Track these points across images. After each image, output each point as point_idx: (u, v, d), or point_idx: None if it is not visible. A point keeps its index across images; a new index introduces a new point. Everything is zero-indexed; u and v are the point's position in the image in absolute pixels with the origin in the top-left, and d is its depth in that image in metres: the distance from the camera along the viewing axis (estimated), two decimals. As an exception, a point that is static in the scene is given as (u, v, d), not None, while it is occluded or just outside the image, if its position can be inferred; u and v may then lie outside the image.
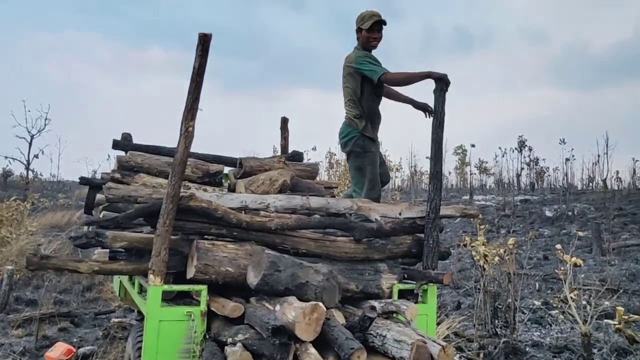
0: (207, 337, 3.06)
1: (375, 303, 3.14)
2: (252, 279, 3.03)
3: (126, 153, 5.22)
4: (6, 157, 23.20)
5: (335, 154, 24.02)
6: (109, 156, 27.62)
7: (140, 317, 5.56)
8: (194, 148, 5.68)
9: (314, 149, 24.72)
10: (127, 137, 5.59)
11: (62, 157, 39.33)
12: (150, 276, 3.05)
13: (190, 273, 3.15)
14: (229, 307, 2.99)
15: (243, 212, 3.44)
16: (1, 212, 10.06)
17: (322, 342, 2.72)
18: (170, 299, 3.22)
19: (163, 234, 3.05)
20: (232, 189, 5.44)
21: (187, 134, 3.17)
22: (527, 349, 5.68)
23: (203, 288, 3.11)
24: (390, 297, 3.42)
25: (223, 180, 5.49)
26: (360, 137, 4.44)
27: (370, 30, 4.42)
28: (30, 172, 23.37)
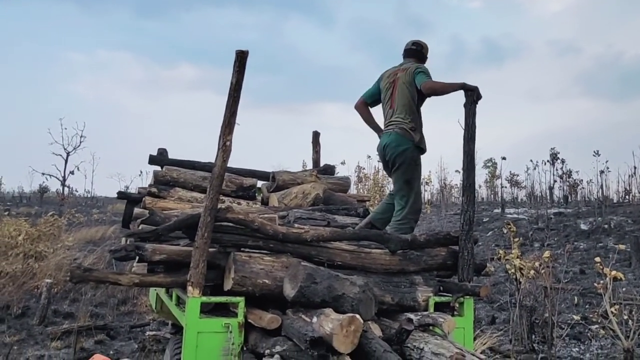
0: (245, 348, 3.08)
1: (411, 315, 3.12)
2: (289, 291, 3.05)
3: (162, 168, 5.34)
4: (43, 174, 23.84)
5: (364, 168, 23.96)
6: (141, 172, 28.14)
7: (174, 331, 5.63)
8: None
9: (343, 163, 24.67)
10: (162, 152, 5.72)
11: (95, 174, 40.27)
12: (189, 288, 3.10)
13: (228, 285, 3.19)
14: (267, 318, 3.01)
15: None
16: (39, 227, 10.34)
17: (360, 355, 2.72)
18: (208, 310, 3.26)
19: (202, 246, 3.11)
20: (265, 203, 5.50)
21: (224, 148, 3.23)
22: (566, 365, 5.54)
23: (240, 300, 3.15)
24: (426, 309, 3.40)
25: (256, 194, 5.56)
26: (415, 150, 4.40)
27: None
28: (66, 189, 23.97)
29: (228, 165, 5.83)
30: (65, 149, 22.17)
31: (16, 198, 30.51)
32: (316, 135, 6.25)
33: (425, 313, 3.23)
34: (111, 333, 6.81)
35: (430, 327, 3.10)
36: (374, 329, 2.96)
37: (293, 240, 3.33)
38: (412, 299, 3.41)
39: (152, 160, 5.57)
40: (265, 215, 3.92)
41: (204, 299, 3.12)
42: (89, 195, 33.53)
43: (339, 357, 2.68)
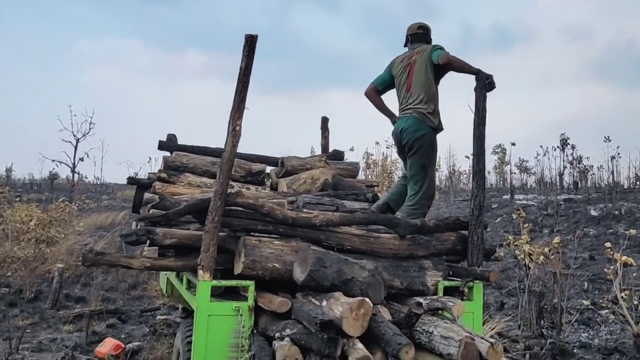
0: (255, 331, 3.11)
1: (421, 300, 3.13)
2: (299, 275, 3.07)
3: (171, 153, 5.36)
4: (53, 161, 24.02)
5: (372, 155, 23.91)
6: (150, 158, 28.26)
7: (185, 315, 5.68)
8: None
9: (352, 149, 24.64)
10: (172, 138, 5.73)
11: (105, 160, 40.48)
12: (200, 272, 3.12)
13: (238, 269, 3.21)
14: (277, 302, 3.03)
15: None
16: (50, 213, 10.44)
17: (369, 338, 2.73)
18: (219, 294, 3.29)
19: (212, 231, 3.13)
20: (274, 188, 5.51)
21: (234, 133, 3.23)
22: (575, 351, 5.55)
23: (251, 283, 3.17)
24: (435, 294, 3.41)
25: (265, 180, 5.57)
26: (432, 135, 4.37)
27: None
28: (75, 175, 24.14)
29: (237, 150, 5.86)
30: (74, 136, 22.34)
31: (27, 185, 30.75)
32: (325, 121, 6.24)
33: (434, 297, 3.25)
34: (122, 317, 6.89)
35: (440, 311, 3.11)
36: (384, 313, 2.97)
37: (302, 224, 3.34)
38: (421, 283, 3.42)
39: (162, 146, 5.59)
40: (274, 200, 3.93)
41: (215, 282, 3.15)
42: (98, 182, 33.77)
43: (348, 340, 2.70)
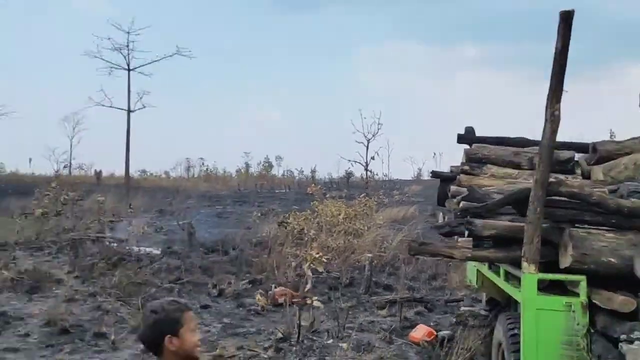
0: (592, 330, 2.89)
1: None
2: (642, 271, 2.74)
3: (470, 146, 5.38)
4: (349, 160, 26.68)
5: None
6: (434, 154, 29.00)
7: (489, 307, 5.63)
8: (532, 136, 5.46)
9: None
10: (470, 130, 5.74)
11: (390, 158, 43.14)
12: (524, 264, 3.05)
13: (565, 262, 3.04)
14: (618, 300, 2.76)
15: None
16: (355, 208, 11.60)
17: None
18: (542, 288, 3.15)
19: (535, 221, 3.02)
20: (586, 177, 5.04)
21: (553, 119, 3.06)
22: None
23: (582, 278, 2.96)
24: None
25: (575, 168, 5.14)
26: None
27: None
28: (368, 173, 26.34)
29: (531, 138, 5.54)
30: (365, 137, 24.33)
31: (327, 183, 34.82)
32: (646, 97, 5.42)
33: None
34: (428, 306, 7.21)
35: None
36: None
37: (641, 214, 2.97)
38: None
39: (461, 138, 5.64)
40: (594, 190, 3.59)
41: (541, 275, 3.04)
42: (386, 179, 36.18)
43: None
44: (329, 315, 6.54)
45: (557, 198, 3.13)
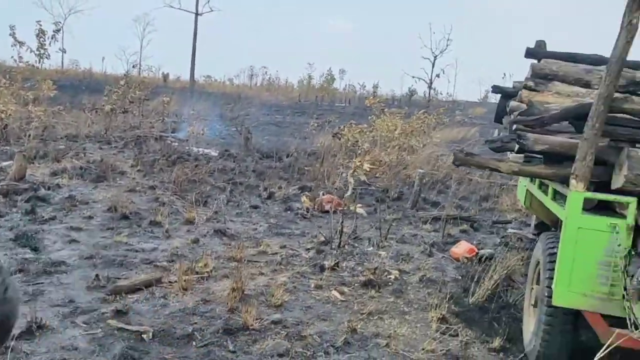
0: (632, 253, 2.80)
1: None
2: (700, 197, 2.58)
3: (539, 61, 5.06)
4: (412, 77, 26.00)
5: None
6: (504, 74, 27.70)
7: (538, 232, 5.54)
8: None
9: None
10: (540, 44, 5.38)
11: (457, 78, 41.57)
12: (573, 181, 2.94)
13: (618, 183, 2.90)
14: (666, 224, 2.64)
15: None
16: (411, 124, 11.39)
17: None
18: (589, 208, 3.04)
19: (591, 138, 2.87)
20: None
21: (629, 27, 2.81)
22: None
23: (632, 200, 2.83)
24: None
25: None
26: None
27: None
28: (431, 91, 25.59)
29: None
30: (432, 53, 23.41)
31: (389, 100, 34.17)
32: None
33: None
34: (474, 225, 7.17)
35: None
36: None
37: None
38: None
39: (529, 52, 5.31)
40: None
41: (589, 194, 2.92)
42: (451, 99, 35.08)
43: None
44: (373, 225, 6.64)
45: (620, 115, 2.94)
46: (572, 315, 3.08)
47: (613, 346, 2.22)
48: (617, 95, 2.90)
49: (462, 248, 5.72)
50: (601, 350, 2.20)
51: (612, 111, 2.88)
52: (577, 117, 3.04)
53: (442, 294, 4.51)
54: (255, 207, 7.49)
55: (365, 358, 3.55)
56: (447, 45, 23.38)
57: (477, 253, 5.62)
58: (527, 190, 4.67)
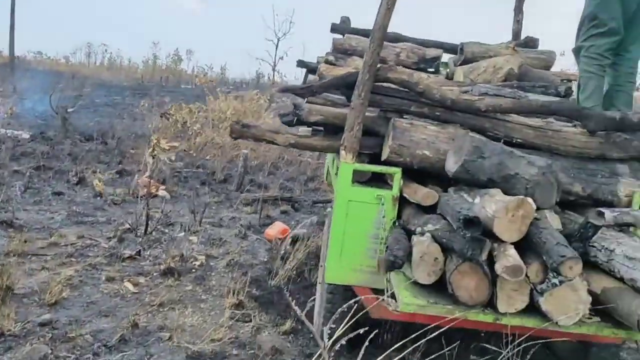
0: (397, 224, 2.79)
1: (605, 210, 2.47)
2: (451, 165, 2.62)
3: (343, 36, 5.07)
4: (256, 58, 25.68)
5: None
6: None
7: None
8: (414, 34, 5.16)
9: (563, 54, 21.71)
10: (345, 20, 5.41)
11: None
12: (342, 152, 2.86)
13: (385, 154, 2.88)
14: (422, 193, 2.65)
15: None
16: (244, 104, 11.14)
17: (526, 247, 2.23)
18: (366, 181, 2.99)
19: (357, 107, 2.80)
20: (450, 78, 4.92)
21: (388, -5, 2.76)
22: None
23: (397, 171, 2.81)
24: (627, 207, 2.68)
25: (441, 68, 5.00)
26: None
27: None
28: (276, 74, 25.56)
29: (412, 36, 5.29)
30: (276, 35, 23.31)
31: (237, 83, 33.59)
32: (520, 1, 5.29)
33: (625, 210, 2.54)
34: (295, 205, 7.14)
35: (630, 228, 2.43)
36: (552, 221, 2.40)
37: (464, 108, 2.83)
38: (611, 192, 2.71)
39: (334, 28, 5.32)
40: (444, 87, 3.42)
41: (357, 166, 2.86)
42: (297, 82, 35.48)
43: (500, 245, 2.23)
44: (191, 209, 6.27)
45: (386, 85, 2.91)
46: (354, 292, 3.03)
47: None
48: (381, 65, 2.85)
49: (275, 229, 5.61)
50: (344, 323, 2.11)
51: (378, 80, 2.83)
52: (347, 87, 2.95)
53: (246, 277, 4.32)
54: (59, 193, 6.70)
55: (141, 355, 3.21)
56: (290, 28, 23.43)
57: (289, 233, 5.54)
58: (327, 165, 4.65)
